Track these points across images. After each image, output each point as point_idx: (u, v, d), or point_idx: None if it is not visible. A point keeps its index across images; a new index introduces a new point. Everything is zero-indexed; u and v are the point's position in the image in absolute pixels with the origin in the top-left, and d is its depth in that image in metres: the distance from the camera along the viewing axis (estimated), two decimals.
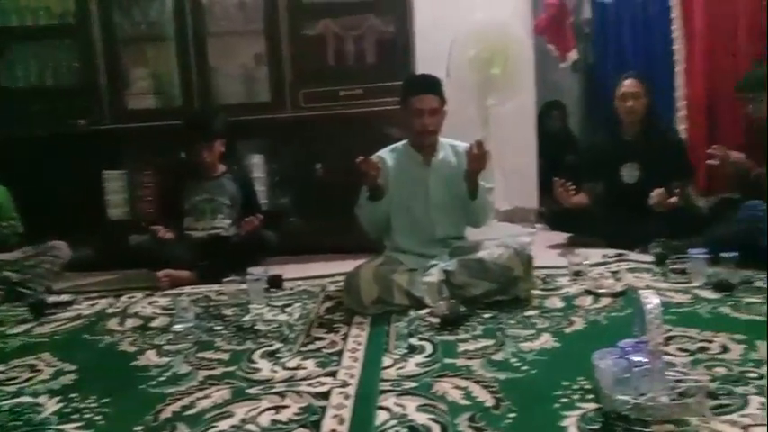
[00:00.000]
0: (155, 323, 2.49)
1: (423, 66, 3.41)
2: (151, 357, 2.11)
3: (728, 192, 3.20)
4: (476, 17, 3.55)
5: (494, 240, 2.64)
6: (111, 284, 3.17)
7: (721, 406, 1.51)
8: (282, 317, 2.47)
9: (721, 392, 1.58)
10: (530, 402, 1.61)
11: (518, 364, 1.86)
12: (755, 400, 1.52)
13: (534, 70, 3.99)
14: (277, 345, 2.15)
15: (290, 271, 3.12)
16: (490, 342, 2.04)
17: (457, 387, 1.72)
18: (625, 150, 3.34)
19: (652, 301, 1.49)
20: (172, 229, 3.16)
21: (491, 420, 1.52)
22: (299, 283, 2.97)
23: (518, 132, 4.01)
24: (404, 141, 2.75)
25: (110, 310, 2.72)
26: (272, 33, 3.53)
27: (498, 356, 1.92)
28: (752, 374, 1.67)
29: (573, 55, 4.06)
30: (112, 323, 2.53)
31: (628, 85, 3.28)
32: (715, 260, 2.52)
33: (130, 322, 2.53)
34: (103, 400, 1.77)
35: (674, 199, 3.05)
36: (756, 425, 1.42)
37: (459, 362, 1.90)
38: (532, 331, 2.12)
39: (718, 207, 3.20)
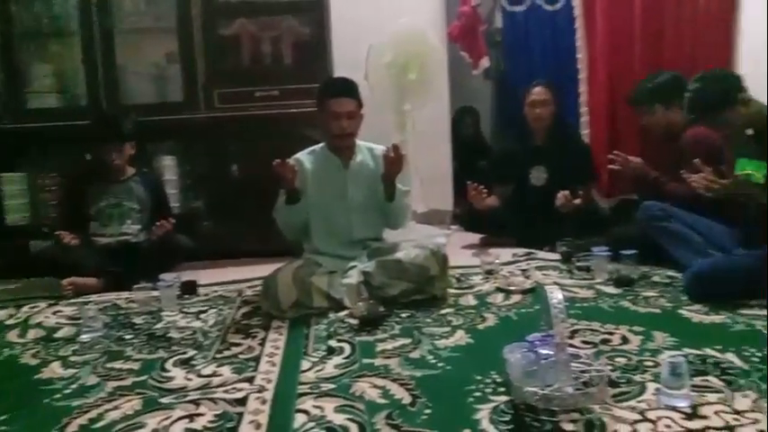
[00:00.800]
0: (59, 334, 2.36)
1: (340, 69, 3.43)
2: (56, 370, 1.99)
3: (628, 194, 3.42)
4: (392, 23, 3.61)
5: (411, 241, 2.69)
6: (11, 294, 2.97)
7: (622, 393, 1.62)
8: (197, 324, 2.40)
9: (621, 381, 1.69)
10: (445, 397, 1.65)
11: (434, 361, 1.90)
12: (652, 387, 1.64)
13: (448, 77, 4.11)
14: (191, 352, 2.09)
15: (205, 276, 3.05)
16: (407, 341, 2.08)
17: (375, 386, 1.74)
18: (533, 155, 3.49)
19: (556, 296, 1.58)
20: (77, 234, 3.00)
21: (407, 417, 1.55)
22: (215, 288, 2.91)
23: (434, 137, 4.11)
24: (321, 144, 2.75)
25: (9, 322, 2.55)
26: (184, 31, 3.43)
27: (415, 354, 1.96)
28: (649, 363, 1.80)
29: (485, 62, 4.20)
30: (12, 335, 2.38)
31: (536, 92, 3.43)
32: (616, 257, 2.68)
33: (32, 333, 2.38)
34: (1, 418, 1.66)
35: (578, 200, 3.22)
36: (651, 409, 1.52)
37: (378, 361, 1.92)
38: (448, 329, 2.18)
39: (618, 208, 3.41)
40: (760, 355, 1.81)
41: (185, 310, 2.59)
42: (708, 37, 3.17)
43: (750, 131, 2.54)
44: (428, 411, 1.58)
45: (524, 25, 4.48)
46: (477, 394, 1.65)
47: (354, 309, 2.33)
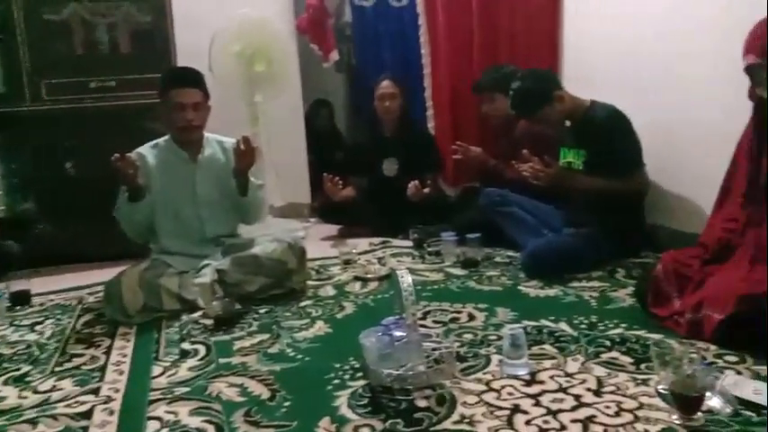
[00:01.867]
0: None
1: (184, 58, 3.28)
2: None
3: (471, 181, 3.64)
4: (238, 12, 3.51)
5: (268, 236, 2.65)
6: None
7: (469, 367, 1.73)
8: (31, 336, 2.20)
9: (468, 355, 1.81)
10: (304, 389, 1.66)
11: (293, 354, 1.91)
12: (496, 359, 1.77)
13: (301, 69, 4.09)
14: (26, 368, 1.91)
15: (40, 284, 2.78)
16: (266, 336, 2.06)
17: (232, 385, 1.70)
18: (385, 147, 3.59)
19: (406, 280, 1.64)
20: None
21: (267, 412, 1.54)
22: (52, 297, 2.67)
23: (288, 129, 4.07)
24: (166, 137, 2.62)
25: None
26: (5, 15, 3.08)
27: (274, 349, 1.95)
28: (492, 337, 1.94)
29: (334, 55, 4.24)
30: None
31: (384, 86, 3.52)
32: (462, 241, 2.84)
33: None
34: None
35: (427, 189, 3.37)
36: (496, 379, 1.65)
37: (235, 360, 1.88)
38: (307, 320, 2.19)
39: (463, 195, 3.62)
40: (587, 322, 2.02)
41: (17, 322, 2.35)
42: (537, 32, 3.43)
43: (568, 123, 2.82)
44: (287, 404, 1.58)
45: (373, 20, 4.56)
46: (336, 382, 1.68)
47: (209, 308, 2.25)
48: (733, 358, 1.70)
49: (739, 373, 1.61)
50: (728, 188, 2.16)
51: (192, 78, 2.54)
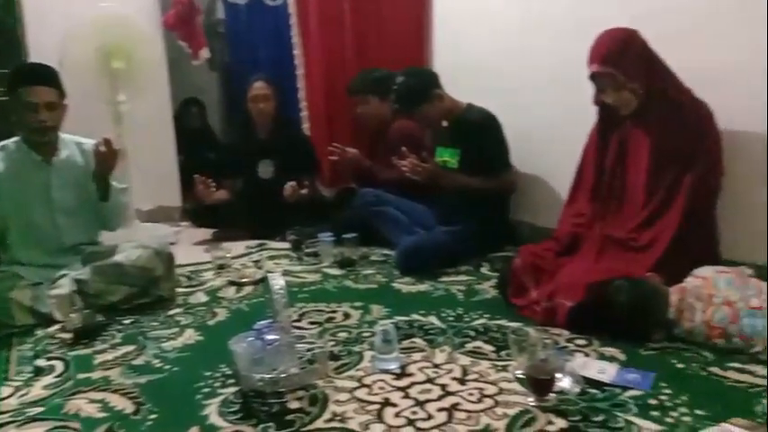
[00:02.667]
0: None
1: (37, 55, 3.03)
2: None
3: (347, 182, 3.68)
4: (97, 7, 3.30)
5: (133, 242, 2.52)
6: None
7: (343, 365, 1.76)
8: None
9: (343, 353, 1.83)
10: (172, 400, 1.60)
11: (160, 365, 1.83)
12: (368, 355, 1.80)
13: (170, 67, 3.92)
14: None
15: None
16: (131, 348, 1.96)
17: (92, 401, 1.61)
18: (260, 148, 3.54)
19: (278, 283, 1.64)
20: None
21: (131, 426, 1.47)
22: None
23: (155, 130, 3.89)
24: (15, 138, 2.41)
25: None
26: None
27: (139, 361, 1.86)
28: (366, 334, 1.97)
29: (204, 53, 4.10)
30: None
31: (257, 87, 3.46)
32: (340, 241, 2.87)
33: None
34: None
35: (304, 191, 3.36)
36: (368, 375, 1.68)
37: (96, 374, 1.78)
38: (176, 329, 2.11)
39: (340, 196, 3.65)
40: (454, 314, 2.12)
41: None
42: (408, 35, 3.54)
43: (445, 123, 2.95)
44: (153, 417, 1.52)
45: (247, 18, 4.48)
46: (206, 390, 1.64)
47: (67, 321, 2.10)
48: (582, 341, 1.85)
49: (587, 355, 1.76)
50: (578, 185, 2.37)
51: (45, 76, 2.36)
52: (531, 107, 2.89)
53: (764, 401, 1.47)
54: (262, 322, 1.76)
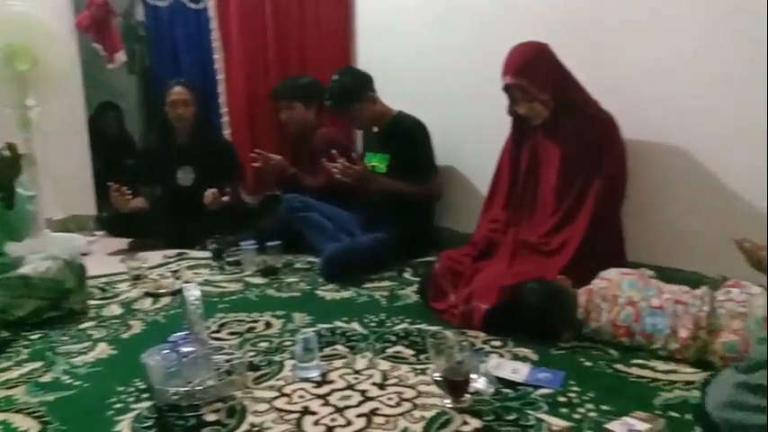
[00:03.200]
0: None
1: None
2: None
3: (272, 189, 3.64)
4: (1, 5, 3.12)
5: (41, 253, 2.39)
6: None
7: (263, 375, 1.74)
8: None
9: (263, 363, 1.81)
10: (81, 417, 1.54)
11: (70, 381, 1.75)
12: (289, 364, 1.80)
13: (83, 70, 3.77)
14: None
15: None
16: (38, 365, 1.87)
17: None
18: (179, 154, 3.45)
19: (193, 293, 1.60)
20: None
21: None
22: None
23: (68, 135, 3.73)
24: None
25: None
26: None
27: (47, 378, 1.78)
28: (287, 343, 1.96)
29: (120, 56, 3.96)
30: None
31: (176, 92, 3.38)
32: (263, 249, 2.84)
33: None
34: None
35: (225, 198, 3.30)
36: (288, 384, 1.67)
37: None
38: (87, 344, 2.02)
39: (264, 203, 3.61)
40: (377, 320, 2.14)
41: None
42: (330, 40, 3.55)
43: (376, 129, 2.98)
44: None
45: (168, 21, 4.37)
46: (119, 406, 1.58)
47: None
48: (497, 343, 1.92)
49: (502, 355, 1.82)
50: (494, 192, 2.45)
51: None
52: (451, 115, 2.97)
53: (663, 395, 1.57)
54: (177, 334, 1.71)
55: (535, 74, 2.13)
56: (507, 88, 2.21)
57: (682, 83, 2.14)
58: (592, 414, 1.48)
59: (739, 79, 2.01)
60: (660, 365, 1.72)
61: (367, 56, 3.49)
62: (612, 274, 1.93)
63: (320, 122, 3.35)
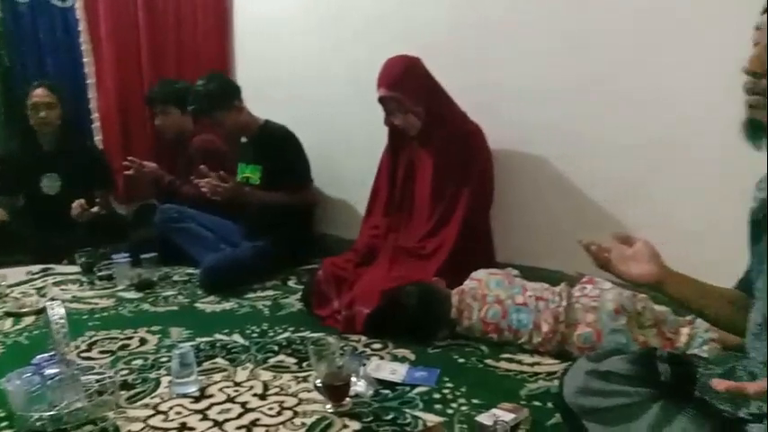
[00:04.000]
0: None
1: None
2: None
3: (146, 198, 3.49)
4: None
5: None
6: None
7: (137, 394, 1.68)
8: None
9: (137, 382, 1.75)
10: None
11: None
12: (166, 381, 1.74)
13: None
14: None
15: None
16: None
17: None
18: (43, 161, 3.22)
19: (57, 311, 1.52)
20: None
21: None
22: None
23: None
24: None
25: None
26: None
27: None
28: (164, 359, 1.90)
29: None
30: None
31: (38, 94, 3.15)
32: (137, 262, 2.72)
33: None
34: None
35: (96, 208, 3.12)
36: (164, 401, 1.63)
37: None
38: None
39: (138, 213, 3.45)
40: (259, 330, 2.12)
41: None
42: (206, 45, 3.46)
43: (244, 139, 2.94)
44: None
45: (30, 18, 4.04)
46: None
47: None
48: (378, 345, 1.98)
49: (382, 357, 1.88)
50: (374, 200, 2.52)
51: None
52: (332, 123, 3.01)
53: (528, 386, 1.69)
54: (41, 356, 1.61)
55: (408, 87, 2.22)
56: (382, 100, 2.29)
57: (540, 97, 2.32)
58: (464, 408, 1.57)
59: (593, 92, 2.21)
60: (526, 358, 1.86)
61: (246, 60, 3.45)
62: (482, 274, 2.05)
63: (198, 129, 3.26)
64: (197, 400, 1.64)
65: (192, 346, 1.86)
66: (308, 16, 3.10)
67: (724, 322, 1.25)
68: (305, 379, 1.74)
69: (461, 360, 1.86)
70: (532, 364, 1.82)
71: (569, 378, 1.37)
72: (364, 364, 1.76)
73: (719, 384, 0.85)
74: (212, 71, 3.09)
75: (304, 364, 1.83)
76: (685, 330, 1.76)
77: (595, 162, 2.24)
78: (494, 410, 1.49)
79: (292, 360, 1.88)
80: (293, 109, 3.02)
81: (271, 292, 2.55)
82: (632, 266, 1.19)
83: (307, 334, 2.08)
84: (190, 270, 2.83)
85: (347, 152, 3.02)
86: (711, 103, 1.83)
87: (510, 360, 1.86)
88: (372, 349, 1.96)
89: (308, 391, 1.67)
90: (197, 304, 2.44)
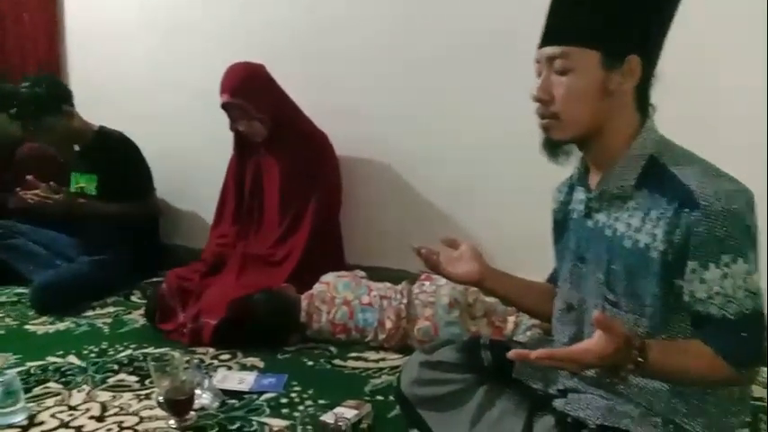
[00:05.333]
0: None
1: None
2: None
3: None
4: None
5: None
6: None
7: None
8: None
9: None
10: None
11: None
12: None
13: None
14: None
15: None
16: None
17: None
18: None
19: None
20: None
21: None
22: None
23: None
24: None
25: None
26: None
27: None
28: None
29: None
30: None
31: None
32: None
33: None
34: None
35: None
36: None
37: None
38: None
39: None
40: (98, 350, 2.01)
41: None
42: (35, 47, 3.20)
43: (77, 147, 2.75)
44: None
45: None
46: None
47: None
48: (227, 356, 1.96)
49: (230, 368, 1.87)
50: (222, 207, 2.49)
51: None
52: (179, 131, 2.91)
53: (372, 381, 1.77)
54: None
55: (252, 93, 2.22)
56: (226, 106, 2.27)
57: (382, 110, 2.42)
58: (310, 409, 1.61)
59: (426, 105, 2.35)
60: (372, 356, 1.94)
61: (78, 67, 3.24)
62: (330, 277, 2.11)
63: (28, 136, 2.99)
64: (24, 429, 1.52)
65: (19, 371, 1.72)
66: (151, 19, 2.97)
67: (537, 311, 1.41)
68: (147, 396, 1.69)
69: (310, 363, 1.90)
70: (377, 361, 1.91)
71: (405, 370, 1.46)
72: (210, 376, 1.74)
73: (510, 354, 0.96)
74: (40, 73, 2.87)
75: (146, 382, 1.77)
76: (512, 319, 1.94)
77: (431, 169, 2.40)
78: (337, 409, 1.54)
79: (134, 378, 1.81)
80: (136, 117, 2.88)
81: (112, 309, 2.42)
82: (458, 267, 1.30)
83: (150, 350, 2.01)
84: (20, 290, 2.60)
85: (196, 161, 2.93)
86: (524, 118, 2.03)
87: (357, 358, 1.93)
88: (220, 360, 1.93)
89: (151, 409, 1.62)
90: (27, 326, 2.26)
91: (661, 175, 1.05)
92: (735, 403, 1.08)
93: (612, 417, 1.10)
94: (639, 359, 0.93)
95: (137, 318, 2.31)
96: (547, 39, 1.09)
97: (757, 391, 1.62)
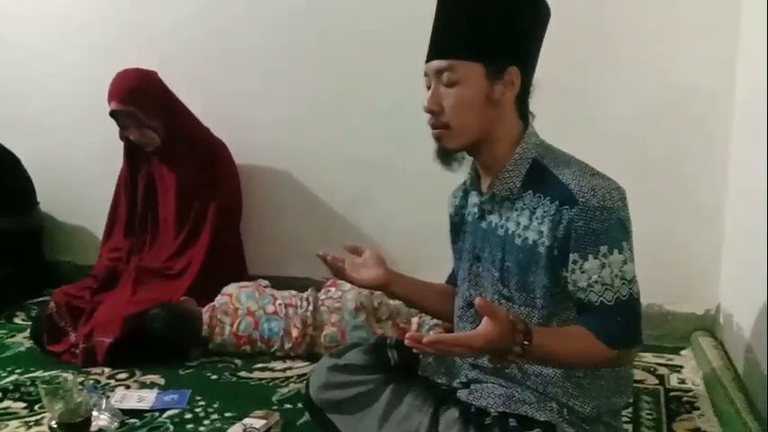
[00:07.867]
0: None
1: None
2: None
3: None
4: None
5: None
6: None
7: None
8: None
9: None
10: None
11: None
12: None
13: None
14: None
15: None
16: None
17: None
18: None
19: None
20: None
21: None
22: None
23: None
24: None
25: None
26: None
27: None
28: None
29: None
30: None
31: None
32: None
33: None
34: None
35: None
36: None
37: None
38: None
39: None
40: None
41: None
42: None
43: None
44: None
45: None
46: None
47: None
48: (125, 375, 1.87)
49: (128, 387, 1.79)
50: (113, 220, 2.38)
51: None
52: (67, 143, 2.73)
53: (280, 391, 1.75)
54: None
55: (142, 100, 2.14)
56: (115, 114, 2.17)
57: (281, 119, 2.41)
58: (217, 424, 1.57)
59: (326, 116, 2.37)
60: (278, 365, 1.93)
61: None
62: (232, 288, 2.07)
63: None
64: None
65: None
66: (44, 25, 2.76)
67: (438, 311, 1.47)
68: (37, 423, 1.58)
69: (214, 377, 1.86)
70: (284, 370, 1.90)
71: (313, 376, 1.46)
72: (107, 396, 1.66)
73: (406, 337, 0.98)
74: None
75: (36, 407, 1.66)
76: (415, 320, 2.00)
77: (330, 176, 2.42)
78: (245, 420, 1.52)
79: (21, 405, 1.69)
80: (17, 129, 2.68)
81: None
82: (363, 273, 1.33)
83: (39, 374, 1.87)
84: None
85: (82, 173, 2.76)
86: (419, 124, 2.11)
87: (263, 369, 1.91)
88: (117, 380, 1.85)
89: None
90: None
91: (543, 176, 1.14)
92: (620, 384, 1.19)
93: (512, 404, 1.17)
94: (525, 342, 0.99)
95: (21, 341, 2.15)
96: (433, 53, 1.16)
97: (638, 374, 1.79)
